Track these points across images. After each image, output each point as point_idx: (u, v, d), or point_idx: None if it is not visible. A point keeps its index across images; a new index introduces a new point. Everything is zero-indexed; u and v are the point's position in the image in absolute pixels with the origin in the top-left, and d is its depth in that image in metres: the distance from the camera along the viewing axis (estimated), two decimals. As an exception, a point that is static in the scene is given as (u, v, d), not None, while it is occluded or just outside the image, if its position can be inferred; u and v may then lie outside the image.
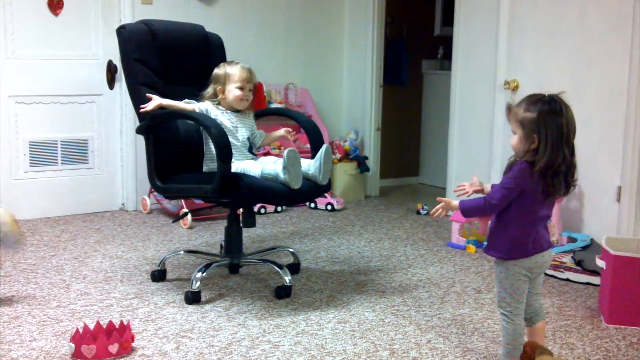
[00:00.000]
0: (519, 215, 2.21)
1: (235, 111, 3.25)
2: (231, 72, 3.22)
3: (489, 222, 2.32)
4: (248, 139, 3.27)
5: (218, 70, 3.26)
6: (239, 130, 3.23)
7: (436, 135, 6.09)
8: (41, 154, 4.58)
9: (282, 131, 3.39)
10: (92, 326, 2.57)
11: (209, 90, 3.28)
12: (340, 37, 5.79)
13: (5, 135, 4.42)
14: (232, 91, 3.23)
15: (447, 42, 5.43)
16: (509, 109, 2.24)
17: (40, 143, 4.57)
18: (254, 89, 3.36)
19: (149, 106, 3.12)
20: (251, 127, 3.31)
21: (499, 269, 2.28)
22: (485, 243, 2.34)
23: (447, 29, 5.83)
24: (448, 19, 5.62)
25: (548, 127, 2.13)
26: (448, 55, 5.28)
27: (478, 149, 4.70)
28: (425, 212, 4.99)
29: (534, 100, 2.17)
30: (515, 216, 2.21)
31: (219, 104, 3.25)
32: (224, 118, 3.19)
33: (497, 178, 4.46)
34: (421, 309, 3.03)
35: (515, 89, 4.34)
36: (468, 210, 2.27)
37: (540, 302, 2.37)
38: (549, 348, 2.50)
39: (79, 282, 3.29)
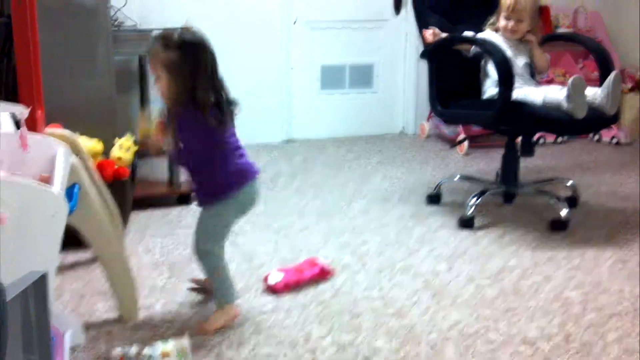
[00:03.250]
0: (213, 152, 2.09)
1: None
2: (502, 1, 3.17)
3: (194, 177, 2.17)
4: (529, 65, 3.20)
5: None
6: (517, 57, 3.18)
7: None
8: (331, 78, 4.88)
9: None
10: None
11: (492, 18, 3.27)
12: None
13: (301, 59, 4.78)
14: (501, 21, 3.18)
15: None
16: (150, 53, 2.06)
17: (331, 67, 4.87)
18: (534, 16, 3.23)
19: (428, 36, 3.18)
20: (529, 53, 3.24)
21: (211, 211, 2.17)
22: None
23: None
24: None
25: (194, 63, 2.00)
26: None
27: None
28: None
29: (170, 38, 2.02)
30: (211, 156, 2.10)
31: (496, 31, 3.23)
32: (502, 45, 3.14)
33: None
34: None
35: None
36: None
37: None
38: None
39: (360, 199, 3.53)
